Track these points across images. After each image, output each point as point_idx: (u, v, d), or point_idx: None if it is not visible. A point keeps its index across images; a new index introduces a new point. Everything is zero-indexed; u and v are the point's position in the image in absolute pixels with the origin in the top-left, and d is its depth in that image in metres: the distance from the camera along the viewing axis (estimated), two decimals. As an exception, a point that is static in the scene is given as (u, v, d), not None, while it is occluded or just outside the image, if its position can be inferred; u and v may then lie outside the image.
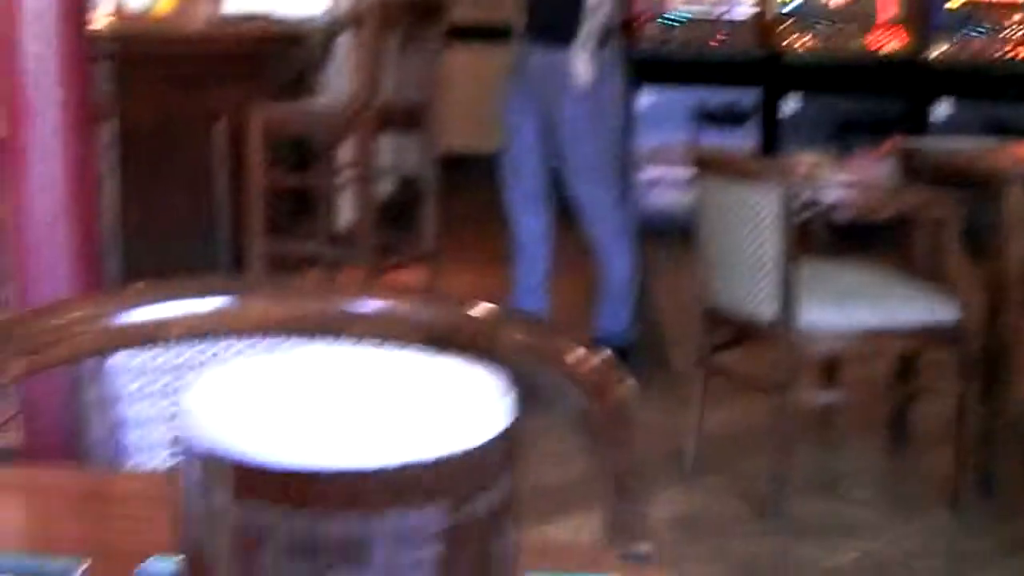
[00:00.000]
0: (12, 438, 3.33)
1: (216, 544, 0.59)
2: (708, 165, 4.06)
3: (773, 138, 8.21)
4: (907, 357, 4.50)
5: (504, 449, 0.61)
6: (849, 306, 3.88)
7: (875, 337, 3.91)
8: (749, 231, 3.90)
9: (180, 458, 0.62)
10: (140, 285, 1.60)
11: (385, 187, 7.05)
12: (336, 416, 0.63)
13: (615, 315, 5.34)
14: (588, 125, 5.10)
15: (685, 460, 4.31)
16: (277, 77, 6.39)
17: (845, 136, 8.14)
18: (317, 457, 0.57)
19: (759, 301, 3.93)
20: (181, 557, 0.62)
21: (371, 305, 1.49)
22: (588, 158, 5.17)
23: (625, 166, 5.75)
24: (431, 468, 0.58)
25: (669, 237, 7.95)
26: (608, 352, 1.51)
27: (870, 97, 8.24)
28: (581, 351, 1.49)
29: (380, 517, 0.57)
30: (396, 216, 7.50)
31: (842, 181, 4.25)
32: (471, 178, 10.19)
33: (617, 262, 5.33)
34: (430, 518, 0.58)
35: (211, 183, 5.84)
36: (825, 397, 4.57)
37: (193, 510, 0.61)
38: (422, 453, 0.58)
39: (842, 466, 4.52)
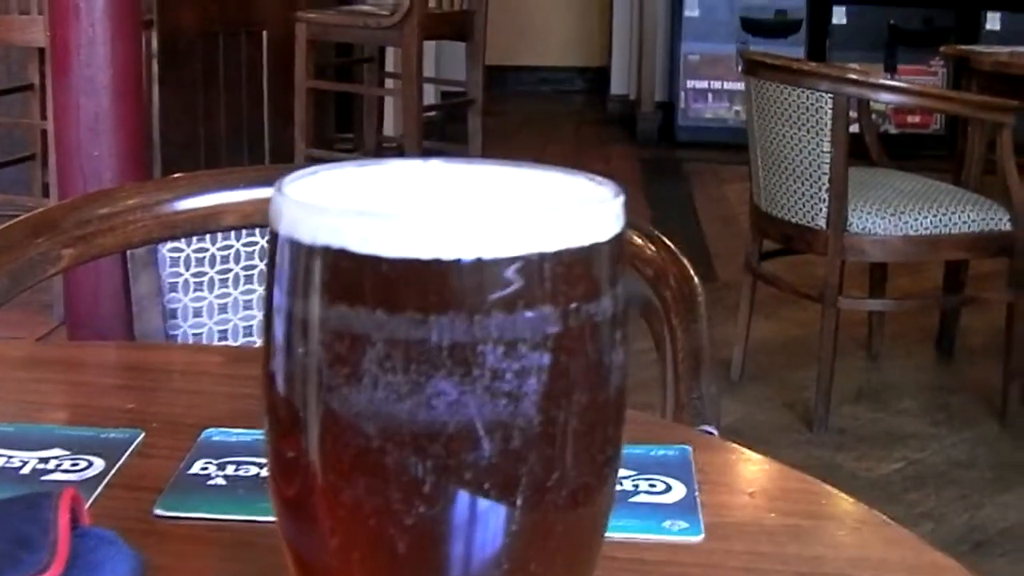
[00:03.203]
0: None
1: (308, 354, 0.56)
2: (760, 68, 4.01)
3: (821, 49, 8.13)
4: (955, 268, 4.47)
5: (615, 255, 0.58)
6: (900, 212, 3.84)
7: (925, 243, 3.87)
8: (801, 136, 3.86)
9: (271, 259, 0.58)
10: (193, 174, 1.59)
11: (429, 99, 7.02)
12: (441, 209, 0.60)
13: None
14: None
15: (732, 369, 4.30)
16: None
17: (894, 47, 8.07)
18: (420, 249, 0.54)
19: (809, 207, 3.90)
20: (269, 371, 0.59)
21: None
22: None
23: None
24: (544, 263, 0.54)
25: (713, 149, 7.94)
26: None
27: (920, 6, 8.14)
28: (641, 239, 1.48)
29: (487, 318, 0.54)
30: (441, 127, 7.50)
31: (895, 86, 4.19)
32: (509, 91, 10.20)
33: None
34: (541, 321, 0.55)
35: (255, 93, 5.82)
36: (873, 306, 4.54)
37: (284, 318, 0.57)
38: (534, 246, 0.54)
39: (889, 376, 4.50)
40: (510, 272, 0.54)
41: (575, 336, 0.56)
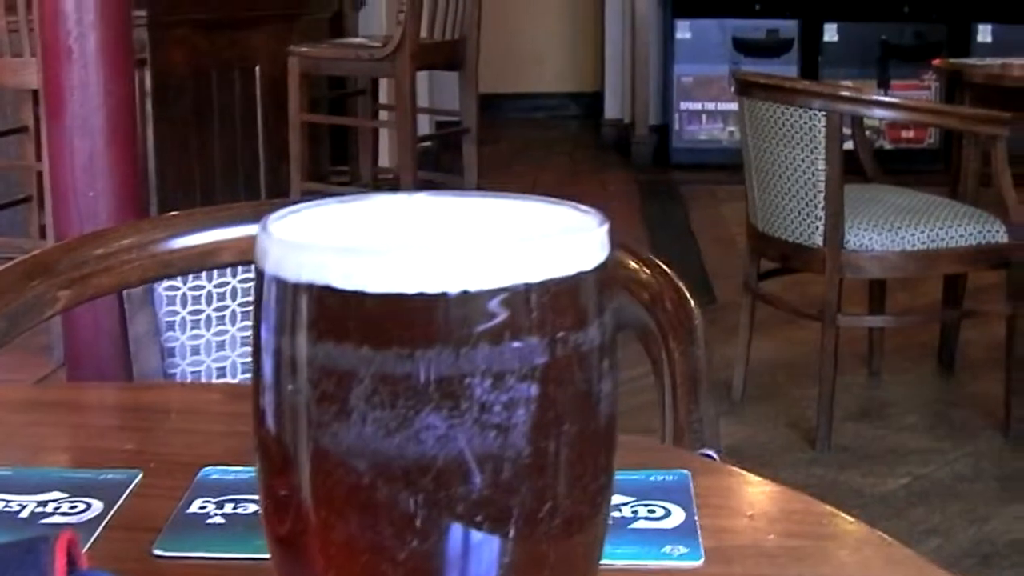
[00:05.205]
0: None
1: (296, 391, 0.56)
2: (753, 88, 4.02)
3: (814, 67, 8.15)
4: (954, 282, 4.47)
5: (602, 283, 0.58)
6: (896, 228, 3.84)
7: (923, 258, 3.87)
8: (795, 154, 3.87)
9: (258, 297, 0.58)
10: (187, 211, 1.59)
11: (424, 129, 7.03)
12: (424, 243, 0.60)
13: None
14: None
15: (733, 390, 4.30)
16: (313, 17, 6.36)
17: (886, 62, 8.09)
18: (404, 283, 0.54)
19: (806, 225, 3.90)
20: (259, 409, 0.59)
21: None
22: None
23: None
24: (530, 293, 0.55)
25: (708, 170, 7.95)
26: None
27: (911, 21, 8.16)
28: (636, 263, 1.48)
29: (474, 351, 0.54)
30: (436, 157, 7.50)
31: (888, 102, 4.20)
32: (504, 118, 10.21)
33: None
34: (528, 351, 0.55)
35: (249, 129, 5.83)
36: (872, 322, 4.54)
37: (272, 356, 0.57)
38: (520, 277, 0.55)
39: (891, 392, 4.50)
40: (496, 304, 0.54)
41: (563, 366, 0.56)
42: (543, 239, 0.57)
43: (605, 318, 0.57)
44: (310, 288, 0.55)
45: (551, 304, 0.55)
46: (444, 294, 0.53)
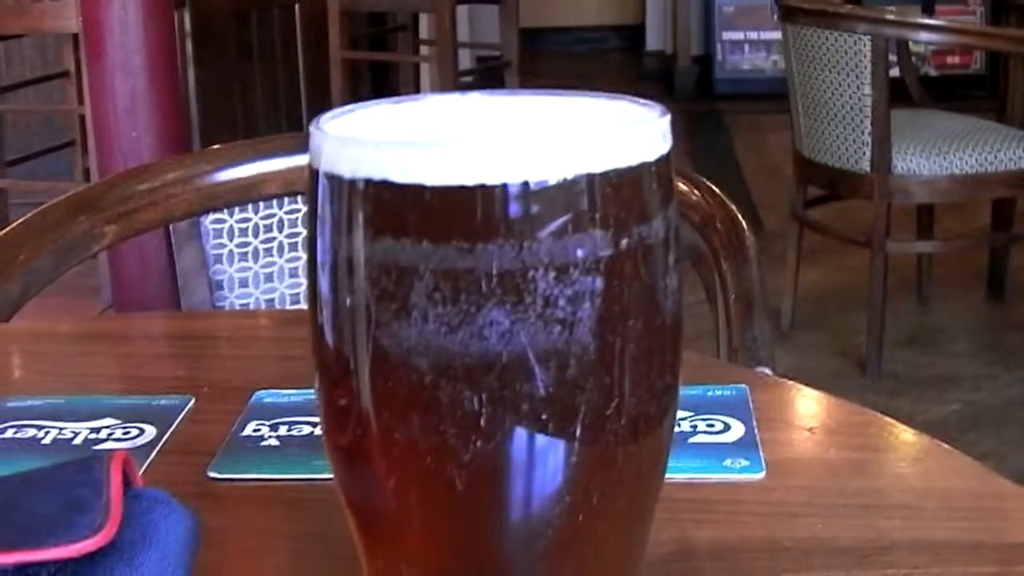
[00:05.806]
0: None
1: (355, 292, 0.54)
2: (797, 15, 3.98)
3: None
4: (1003, 206, 4.42)
5: (664, 176, 0.56)
6: (944, 152, 3.80)
7: (971, 182, 3.83)
8: (841, 80, 3.83)
9: (311, 201, 0.57)
10: (231, 144, 1.58)
11: (465, 63, 6.99)
12: (484, 135, 0.59)
13: None
14: None
15: (782, 318, 4.27)
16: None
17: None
18: (464, 175, 0.52)
19: (853, 151, 3.87)
20: (317, 323, 0.58)
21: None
22: None
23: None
24: (592, 184, 0.53)
25: (752, 100, 7.89)
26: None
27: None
28: (685, 186, 1.46)
29: (536, 244, 0.52)
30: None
31: (934, 24, 4.15)
32: (544, 52, 10.17)
33: None
34: (592, 244, 0.53)
35: (290, 67, 5.81)
36: (921, 248, 4.51)
37: (328, 259, 0.56)
38: (582, 167, 0.53)
39: (940, 318, 4.47)
40: (558, 195, 0.52)
41: (627, 259, 0.54)
42: (605, 129, 0.55)
43: (669, 212, 0.56)
44: (367, 183, 0.53)
45: (614, 196, 0.53)
46: (504, 186, 0.52)
